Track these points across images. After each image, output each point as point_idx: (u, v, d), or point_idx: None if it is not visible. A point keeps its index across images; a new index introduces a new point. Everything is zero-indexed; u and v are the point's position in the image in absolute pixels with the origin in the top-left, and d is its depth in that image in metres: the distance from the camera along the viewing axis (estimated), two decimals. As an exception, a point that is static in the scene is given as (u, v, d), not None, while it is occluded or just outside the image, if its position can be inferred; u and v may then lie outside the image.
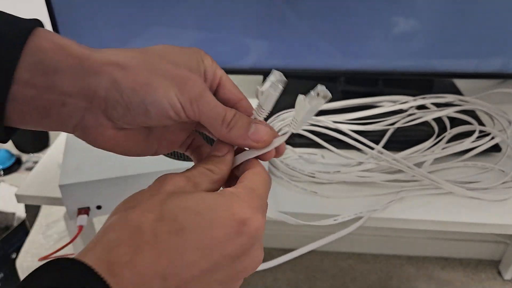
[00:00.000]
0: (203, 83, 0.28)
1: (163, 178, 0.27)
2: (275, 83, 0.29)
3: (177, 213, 0.24)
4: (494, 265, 1.22)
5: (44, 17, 0.74)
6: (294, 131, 0.30)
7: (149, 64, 0.27)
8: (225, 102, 0.31)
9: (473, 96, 0.76)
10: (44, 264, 0.22)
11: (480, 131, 0.68)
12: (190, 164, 0.54)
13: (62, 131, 0.29)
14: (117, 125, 0.28)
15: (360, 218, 0.57)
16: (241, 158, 0.31)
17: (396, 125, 0.71)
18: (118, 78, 0.26)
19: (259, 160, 0.31)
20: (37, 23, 0.27)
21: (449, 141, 0.68)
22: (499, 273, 1.20)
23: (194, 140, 0.34)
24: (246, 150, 0.31)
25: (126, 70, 0.26)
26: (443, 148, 0.66)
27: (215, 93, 0.31)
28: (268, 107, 0.30)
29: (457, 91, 0.84)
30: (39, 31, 0.26)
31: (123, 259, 0.22)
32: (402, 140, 0.70)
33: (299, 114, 0.29)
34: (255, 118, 0.31)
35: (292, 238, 1.27)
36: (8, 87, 0.24)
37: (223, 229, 0.24)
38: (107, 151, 0.30)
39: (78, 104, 0.27)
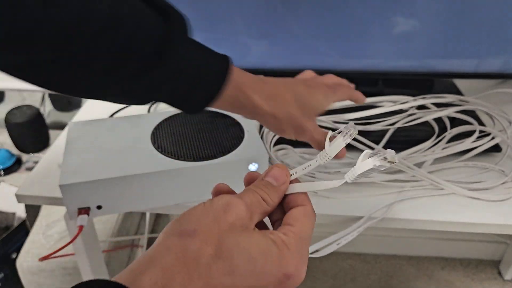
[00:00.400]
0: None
1: (227, 204, 0.28)
2: (346, 138, 0.30)
3: (233, 254, 0.25)
4: (495, 265, 1.22)
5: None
6: (349, 181, 0.30)
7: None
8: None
9: (473, 96, 0.76)
10: (96, 284, 0.24)
11: (480, 131, 0.68)
12: (191, 164, 0.54)
13: None
14: None
15: (361, 218, 0.57)
16: (291, 189, 0.31)
17: (396, 125, 0.71)
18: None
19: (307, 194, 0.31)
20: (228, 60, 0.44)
21: (449, 141, 0.68)
22: (499, 273, 1.20)
23: None
24: (296, 183, 0.31)
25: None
26: (443, 148, 0.66)
27: None
28: (333, 154, 0.31)
29: (457, 91, 0.84)
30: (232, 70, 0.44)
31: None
32: (402, 140, 0.69)
33: (360, 169, 0.29)
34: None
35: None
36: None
37: (270, 278, 0.26)
38: None
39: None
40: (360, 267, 1.20)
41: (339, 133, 0.31)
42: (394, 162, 0.28)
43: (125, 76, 0.39)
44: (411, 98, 0.73)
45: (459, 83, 0.87)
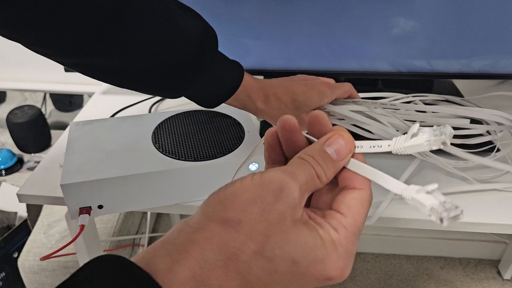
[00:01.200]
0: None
1: (280, 190, 0.24)
2: (433, 142, 0.25)
3: (277, 254, 0.24)
4: (494, 265, 1.23)
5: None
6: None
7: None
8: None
9: (471, 96, 0.76)
10: (131, 270, 0.22)
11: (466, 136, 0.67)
12: (191, 164, 0.55)
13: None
14: None
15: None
16: (352, 165, 0.27)
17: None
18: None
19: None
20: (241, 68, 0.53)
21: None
22: (499, 272, 1.21)
23: None
24: (358, 160, 0.27)
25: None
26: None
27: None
28: (408, 152, 0.26)
29: (456, 92, 0.84)
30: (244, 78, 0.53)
31: (214, 283, 0.23)
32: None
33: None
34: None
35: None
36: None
37: (311, 279, 0.24)
38: None
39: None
40: (360, 266, 1.20)
41: (426, 132, 0.25)
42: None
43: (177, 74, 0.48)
44: (400, 95, 0.74)
45: (459, 83, 0.88)
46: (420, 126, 0.25)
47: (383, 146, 0.26)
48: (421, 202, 0.24)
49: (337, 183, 0.28)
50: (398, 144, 0.26)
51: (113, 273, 0.22)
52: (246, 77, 0.53)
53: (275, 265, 0.24)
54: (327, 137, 0.27)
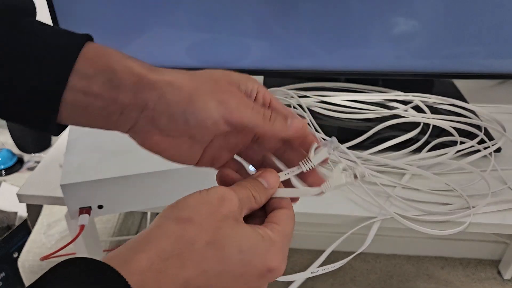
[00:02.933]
0: (240, 92, 0.32)
1: (222, 198, 0.29)
2: (330, 150, 0.33)
3: (226, 244, 0.27)
4: (494, 265, 1.22)
5: (45, 15, 0.74)
6: (325, 192, 0.33)
7: (194, 82, 0.31)
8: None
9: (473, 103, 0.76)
10: (83, 262, 0.25)
11: (461, 142, 0.67)
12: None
13: (118, 131, 0.34)
14: (163, 133, 0.32)
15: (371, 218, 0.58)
16: (277, 193, 0.33)
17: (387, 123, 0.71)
18: (166, 92, 0.31)
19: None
20: (88, 37, 0.31)
21: (431, 149, 0.67)
22: (499, 272, 1.21)
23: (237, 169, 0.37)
24: (280, 188, 0.33)
25: (173, 86, 0.31)
26: (421, 159, 0.65)
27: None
28: (316, 163, 0.34)
29: (456, 91, 0.84)
30: (94, 46, 0.31)
31: (171, 271, 0.26)
32: (384, 138, 0.69)
33: (335, 183, 0.33)
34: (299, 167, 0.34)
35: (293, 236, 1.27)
36: (60, 94, 0.29)
37: (255, 269, 0.28)
38: (155, 153, 0.34)
39: (132, 113, 0.31)
40: (360, 266, 1.20)
41: (324, 144, 0.34)
42: (364, 178, 0.32)
43: None
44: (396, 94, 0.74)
45: (459, 83, 0.88)
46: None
47: (295, 170, 0.34)
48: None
49: (265, 216, 0.33)
50: (306, 164, 0.33)
51: (77, 267, 0.25)
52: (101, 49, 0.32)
53: (226, 254, 0.27)
54: (260, 172, 0.33)
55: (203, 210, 0.28)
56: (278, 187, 0.33)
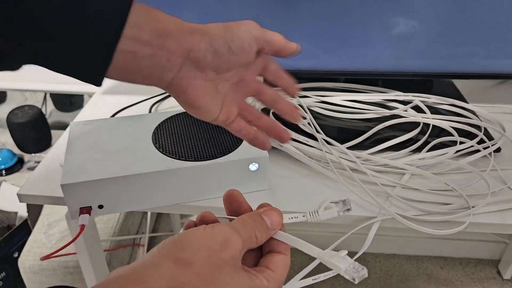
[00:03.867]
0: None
1: (226, 241, 0.29)
2: (340, 211, 0.34)
3: None
4: (494, 265, 1.23)
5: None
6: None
7: (226, 24, 0.37)
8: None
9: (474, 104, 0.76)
10: None
11: (461, 142, 0.67)
12: (191, 164, 0.55)
13: (159, 85, 0.36)
14: (205, 75, 0.36)
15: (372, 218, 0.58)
16: (278, 235, 0.33)
17: (387, 124, 0.72)
18: (206, 32, 0.35)
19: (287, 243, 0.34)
20: None
21: (431, 149, 0.67)
22: (499, 272, 1.21)
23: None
24: (281, 232, 0.33)
25: (211, 28, 0.36)
26: (421, 159, 0.66)
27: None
28: (322, 219, 0.34)
29: (456, 92, 0.84)
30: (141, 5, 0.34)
31: None
32: (383, 138, 0.70)
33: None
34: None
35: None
36: (116, 42, 0.32)
37: None
38: (189, 104, 0.38)
39: (178, 59, 0.34)
40: (360, 266, 1.20)
41: (336, 202, 0.34)
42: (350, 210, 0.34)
43: None
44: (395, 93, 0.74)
45: (458, 83, 0.88)
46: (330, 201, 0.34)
47: (299, 217, 0.34)
48: (337, 265, 0.31)
49: (260, 251, 0.34)
50: (313, 216, 0.34)
51: None
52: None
53: None
54: (265, 208, 0.33)
55: (204, 254, 0.28)
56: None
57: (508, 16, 0.69)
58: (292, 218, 0.34)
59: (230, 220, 0.33)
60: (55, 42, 0.31)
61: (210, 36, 0.35)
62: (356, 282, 0.30)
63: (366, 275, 0.31)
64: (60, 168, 0.64)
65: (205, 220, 0.34)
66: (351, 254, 0.57)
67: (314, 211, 0.34)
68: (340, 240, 0.59)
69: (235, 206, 0.35)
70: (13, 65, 0.33)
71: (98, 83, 0.35)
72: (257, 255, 0.33)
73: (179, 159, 0.56)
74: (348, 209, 0.34)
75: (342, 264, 0.31)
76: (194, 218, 0.36)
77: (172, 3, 0.70)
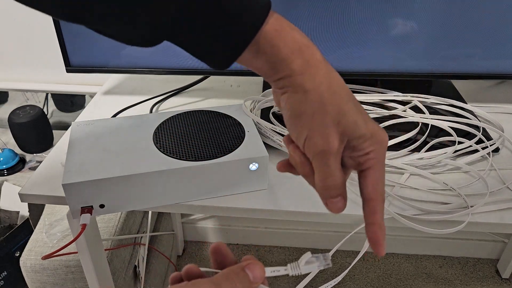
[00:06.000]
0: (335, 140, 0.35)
1: None
2: (321, 266, 0.35)
3: None
4: (492, 264, 1.23)
5: (47, 16, 0.75)
6: (291, 274, 0.35)
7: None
8: (361, 191, 0.37)
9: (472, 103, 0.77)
10: None
11: (460, 142, 0.68)
12: (191, 164, 0.55)
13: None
14: None
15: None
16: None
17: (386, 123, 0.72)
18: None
19: None
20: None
21: (430, 149, 0.68)
22: (497, 271, 1.21)
23: None
24: (263, 286, 0.34)
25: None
26: (419, 159, 0.66)
27: (359, 177, 0.38)
28: (303, 273, 0.35)
29: (455, 92, 0.85)
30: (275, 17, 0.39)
31: None
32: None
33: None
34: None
35: (293, 235, 1.27)
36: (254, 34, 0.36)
37: None
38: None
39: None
40: (359, 265, 1.20)
41: (317, 257, 0.35)
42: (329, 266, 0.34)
43: None
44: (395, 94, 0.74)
45: (458, 83, 0.88)
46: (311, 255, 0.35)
47: (281, 270, 0.34)
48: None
49: None
50: (294, 269, 0.34)
51: None
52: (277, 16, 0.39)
53: None
54: (248, 262, 0.33)
55: None
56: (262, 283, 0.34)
57: (506, 16, 0.70)
58: (274, 271, 0.34)
59: (215, 273, 0.33)
60: (199, 33, 0.35)
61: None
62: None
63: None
64: (62, 168, 0.65)
65: (190, 273, 0.34)
66: (351, 254, 0.57)
67: (296, 265, 0.34)
68: (342, 241, 0.60)
69: (220, 258, 0.36)
70: (152, 45, 0.37)
71: (226, 67, 0.38)
72: None
73: (179, 159, 0.57)
74: (328, 264, 0.34)
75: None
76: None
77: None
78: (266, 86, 0.84)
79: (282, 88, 0.38)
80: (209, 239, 1.46)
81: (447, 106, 0.76)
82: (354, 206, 0.60)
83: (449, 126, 0.71)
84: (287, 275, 0.35)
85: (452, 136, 0.69)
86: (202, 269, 0.34)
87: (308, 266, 0.34)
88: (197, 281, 0.30)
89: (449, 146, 0.67)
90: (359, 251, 0.57)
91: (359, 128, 0.35)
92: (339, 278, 0.55)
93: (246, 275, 0.32)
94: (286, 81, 0.37)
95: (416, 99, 0.76)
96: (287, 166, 0.41)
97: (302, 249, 1.25)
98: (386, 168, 0.64)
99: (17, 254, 1.03)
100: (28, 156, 1.26)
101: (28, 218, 1.07)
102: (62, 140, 0.73)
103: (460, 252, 1.24)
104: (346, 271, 0.59)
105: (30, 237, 0.98)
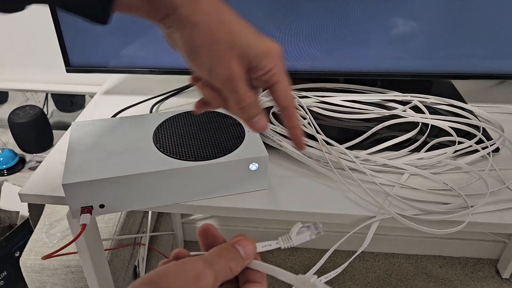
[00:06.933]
0: (237, 61, 0.37)
1: (198, 277, 0.28)
2: (312, 235, 0.34)
3: None
4: (492, 264, 1.23)
5: (47, 16, 0.75)
6: (283, 247, 0.34)
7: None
8: (276, 102, 0.41)
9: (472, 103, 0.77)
10: None
11: (460, 142, 0.68)
12: (191, 164, 0.55)
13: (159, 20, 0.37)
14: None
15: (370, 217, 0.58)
16: (253, 264, 0.33)
17: (385, 124, 0.72)
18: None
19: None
20: None
21: (430, 149, 0.68)
22: (497, 271, 1.21)
23: None
24: (256, 260, 0.33)
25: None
26: (419, 159, 0.66)
27: (270, 92, 0.40)
28: (296, 244, 0.34)
29: (455, 92, 0.85)
30: None
31: None
32: (382, 138, 0.70)
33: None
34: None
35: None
36: None
37: None
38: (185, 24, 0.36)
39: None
40: (359, 265, 1.20)
41: (307, 226, 0.34)
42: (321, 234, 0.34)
43: None
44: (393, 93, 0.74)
45: (458, 83, 0.88)
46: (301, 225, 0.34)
47: (272, 245, 0.34)
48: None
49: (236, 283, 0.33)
50: (286, 242, 0.34)
51: None
52: None
53: None
54: (238, 239, 0.33)
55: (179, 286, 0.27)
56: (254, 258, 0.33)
57: (507, 16, 0.70)
58: (265, 246, 0.34)
59: None
60: None
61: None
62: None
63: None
64: (62, 168, 0.65)
65: (179, 257, 0.33)
66: (351, 254, 0.57)
67: (287, 237, 0.34)
68: (341, 240, 0.60)
69: (210, 240, 0.35)
70: (18, 6, 0.34)
71: (105, 20, 0.35)
72: (234, 287, 0.33)
73: (179, 159, 0.57)
74: (319, 233, 0.34)
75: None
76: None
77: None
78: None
79: (170, 27, 0.38)
80: (209, 239, 1.46)
81: (447, 106, 0.76)
82: (354, 206, 0.60)
83: (449, 126, 0.71)
84: (279, 248, 0.34)
85: (452, 136, 0.69)
86: (192, 253, 0.34)
87: (299, 236, 0.34)
88: (187, 259, 0.29)
89: (449, 146, 0.67)
90: (359, 251, 0.57)
91: (253, 47, 0.37)
92: (338, 270, 0.55)
93: (237, 251, 0.32)
94: (172, 18, 0.37)
95: (416, 99, 0.76)
96: (203, 105, 0.44)
97: (302, 249, 1.25)
98: (386, 168, 0.64)
99: (17, 254, 1.03)
100: (28, 156, 1.26)
101: (28, 218, 1.07)
102: (62, 140, 0.73)
103: (460, 252, 1.24)
104: (346, 263, 0.58)
105: (30, 237, 0.98)
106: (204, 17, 0.36)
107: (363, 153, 0.65)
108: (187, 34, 0.37)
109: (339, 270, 0.56)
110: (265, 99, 0.72)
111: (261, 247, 0.34)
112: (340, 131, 0.73)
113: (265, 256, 1.28)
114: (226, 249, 0.32)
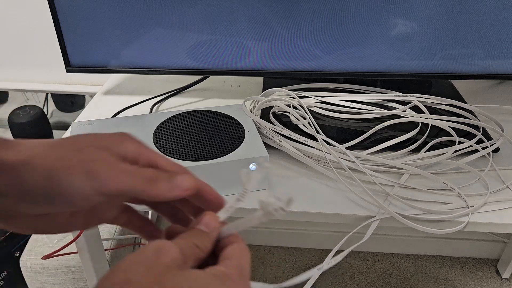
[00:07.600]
0: (111, 157, 0.29)
1: (158, 249, 0.26)
2: (259, 168, 0.32)
3: None
4: (492, 264, 1.23)
5: (47, 16, 0.75)
6: (244, 201, 0.33)
7: (53, 155, 0.27)
8: None
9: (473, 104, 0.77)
10: None
11: (460, 142, 0.68)
12: (192, 163, 0.55)
13: None
14: (30, 217, 0.28)
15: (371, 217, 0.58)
16: (221, 233, 0.31)
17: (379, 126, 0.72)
18: (21, 175, 0.26)
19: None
20: None
21: (430, 149, 0.68)
22: (497, 271, 1.21)
23: (132, 216, 0.36)
24: (223, 227, 0.31)
25: (29, 166, 0.26)
26: (419, 159, 0.66)
27: None
28: (251, 188, 0.32)
29: (455, 92, 0.85)
30: None
31: None
32: (383, 138, 0.70)
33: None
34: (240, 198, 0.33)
35: (293, 235, 1.28)
36: None
37: None
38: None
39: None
40: (359, 265, 1.21)
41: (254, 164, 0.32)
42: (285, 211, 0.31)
43: None
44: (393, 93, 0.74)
45: (458, 83, 0.88)
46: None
47: (234, 204, 0.33)
48: (255, 179, 0.32)
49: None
50: (243, 195, 0.32)
51: None
52: None
53: None
54: (196, 220, 0.31)
55: (140, 268, 0.24)
56: (221, 226, 0.31)
57: (506, 16, 0.70)
58: (228, 209, 0.32)
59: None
60: None
61: (26, 180, 0.26)
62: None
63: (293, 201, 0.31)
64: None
65: (172, 234, 0.32)
66: (351, 254, 0.57)
67: (243, 191, 0.32)
68: (342, 240, 0.60)
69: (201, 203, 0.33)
70: None
71: None
72: None
73: (179, 159, 0.57)
74: (267, 168, 0.32)
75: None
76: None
77: (176, 2, 0.71)
78: (266, 86, 0.84)
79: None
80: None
81: (447, 106, 0.76)
82: (354, 206, 0.60)
83: (449, 126, 0.71)
84: (241, 207, 0.32)
85: (452, 136, 0.69)
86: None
87: (251, 181, 0.32)
88: (152, 242, 0.27)
89: (449, 146, 0.67)
90: (359, 251, 0.57)
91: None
92: (338, 258, 0.55)
93: (199, 230, 0.30)
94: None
95: (416, 99, 0.76)
96: (175, 227, 0.35)
97: (302, 249, 1.25)
98: (386, 168, 0.64)
99: (17, 254, 1.03)
100: (28, 156, 1.26)
101: (28, 218, 1.07)
102: (62, 140, 0.73)
103: (460, 252, 1.25)
104: (348, 250, 0.58)
105: (30, 237, 0.98)
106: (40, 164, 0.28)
107: (363, 153, 0.65)
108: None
109: (339, 257, 0.55)
110: (266, 99, 0.72)
111: (224, 212, 0.32)
112: (340, 131, 0.73)
113: (265, 256, 1.28)
114: (187, 232, 0.30)
